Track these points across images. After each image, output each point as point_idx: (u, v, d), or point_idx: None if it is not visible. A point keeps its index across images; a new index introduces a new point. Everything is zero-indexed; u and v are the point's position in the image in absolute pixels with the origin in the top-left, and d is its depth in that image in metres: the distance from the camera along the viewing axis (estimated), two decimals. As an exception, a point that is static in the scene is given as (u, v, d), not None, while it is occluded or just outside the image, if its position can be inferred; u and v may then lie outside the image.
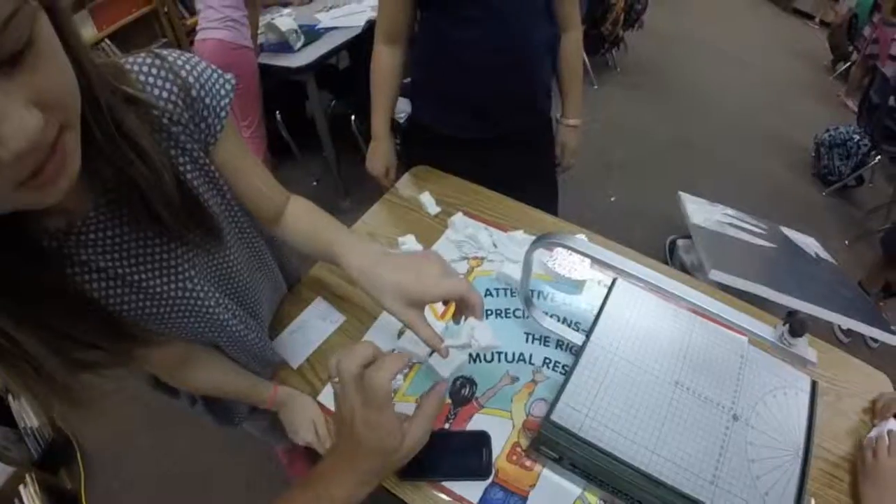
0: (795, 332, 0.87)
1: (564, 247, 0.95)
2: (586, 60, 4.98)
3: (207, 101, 0.83)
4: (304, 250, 1.12)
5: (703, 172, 4.36)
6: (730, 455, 0.99)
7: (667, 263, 3.09)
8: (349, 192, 3.49)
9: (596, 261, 0.94)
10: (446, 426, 1.13)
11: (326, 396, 1.21)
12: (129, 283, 0.79)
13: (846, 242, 3.80)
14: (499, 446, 1.11)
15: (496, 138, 1.77)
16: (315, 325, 1.34)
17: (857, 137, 4.31)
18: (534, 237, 1.09)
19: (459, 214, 1.53)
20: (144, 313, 0.83)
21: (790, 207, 4.20)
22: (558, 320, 1.29)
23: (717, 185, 4.14)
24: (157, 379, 1.13)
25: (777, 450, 1.04)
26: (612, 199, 3.90)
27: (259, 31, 3.18)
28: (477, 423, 1.13)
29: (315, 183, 3.60)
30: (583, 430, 0.97)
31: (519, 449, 1.11)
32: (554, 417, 0.97)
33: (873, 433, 1.32)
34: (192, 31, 3.38)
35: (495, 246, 1.47)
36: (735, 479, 0.97)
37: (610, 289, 1.19)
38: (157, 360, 0.97)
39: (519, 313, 1.32)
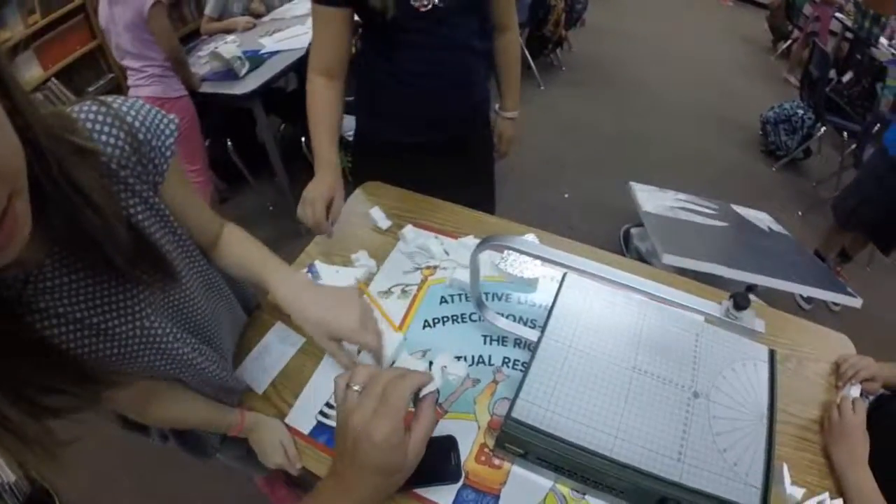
0: (739, 305, 0.89)
1: (506, 248, 0.97)
2: (532, 63, 5.04)
3: (154, 143, 0.85)
4: (236, 276, 1.15)
5: (654, 161, 4.43)
6: (694, 431, 1.01)
7: (623, 253, 3.15)
8: None
9: (538, 258, 0.95)
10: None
11: (293, 418, 1.21)
12: (88, 327, 0.79)
13: (799, 213, 3.88)
14: (466, 448, 1.11)
15: (439, 145, 1.78)
16: (276, 348, 1.34)
17: (801, 112, 4.42)
18: (483, 241, 1.10)
19: (409, 227, 1.54)
20: (106, 355, 0.83)
21: (742, 186, 4.29)
22: (514, 320, 1.31)
23: (668, 172, 4.21)
24: (125, 418, 1.12)
25: (741, 421, 1.06)
26: (566, 195, 3.93)
27: (203, 61, 3.18)
28: (442, 428, 1.13)
29: (271, 208, 3.57)
30: (544, 423, 0.98)
31: (486, 449, 1.12)
32: (515, 414, 0.98)
33: (840, 396, 1.36)
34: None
35: (447, 253, 1.48)
36: (702, 454, 0.99)
37: (560, 284, 1.21)
38: (123, 399, 0.96)
39: (475, 317, 1.33)
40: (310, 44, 1.61)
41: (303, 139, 3.34)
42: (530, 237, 1.51)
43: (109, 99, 0.80)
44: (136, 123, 0.82)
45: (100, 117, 0.77)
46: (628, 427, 1.00)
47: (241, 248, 1.15)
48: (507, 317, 1.29)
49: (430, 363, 1.24)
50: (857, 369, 1.46)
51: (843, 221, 3.29)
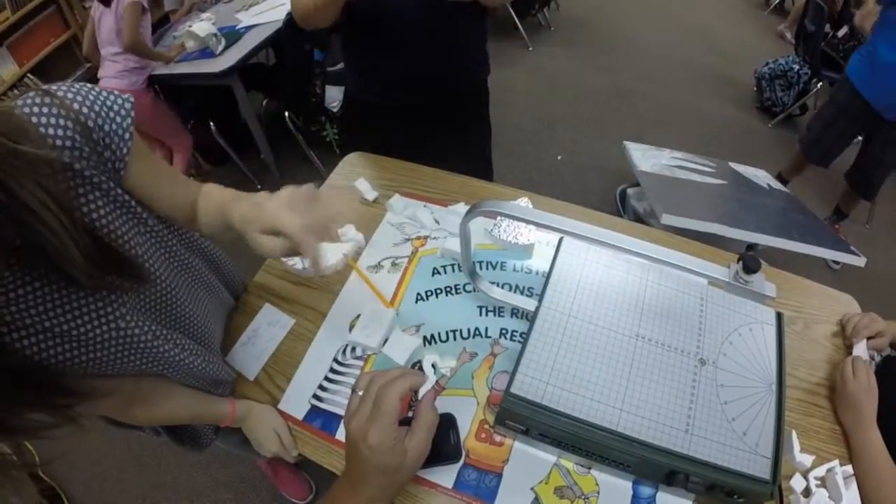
0: (749, 268, 0.84)
1: (497, 213, 0.91)
2: (518, 24, 4.93)
3: (107, 127, 0.78)
4: (220, 236, 1.01)
5: (647, 120, 4.35)
6: (701, 401, 0.97)
7: (620, 214, 3.08)
8: None
9: (532, 223, 0.89)
10: (409, 414, 1.09)
11: (286, 404, 1.18)
12: (58, 335, 0.75)
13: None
14: (466, 426, 1.08)
15: (431, 109, 1.74)
16: (266, 332, 1.30)
17: (796, 67, 4.35)
18: (475, 207, 1.05)
19: (396, 196, 1.49)
20: (81, 361, 0.79)
21: (738, 143, 4.22)
22: (510, 289, 1.26)
23: (663, 130, 4.14)
24: (117, 420, 1.10)
25: (749, 388, 1.02)
26: (559, 157, 3.85)
27: (180, 42, 3.11)
28: (442, 406, 1.07)
29: (259, 186, 3.47)
30: (545, 398, 0.93)
31: (486, 426, 1.08)
32: (514, 390, 0.94)
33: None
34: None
35: (437, 222, 1.43)
36: (710, 424, 0.95)
37: (557, 250, 1.15)
38: (104, 405, 0.94)
39: (469, 287, 1.28)
40: (287, 14, 1.53)
41: (286, 113, 3.27)
42: (524, 201, 1.46)
43: (54, 87, 0.75)
44: (84, 109, 0.76)
45: (45, 109, 0.71)
46: (633, 399, 0.96)
47: (211, 199, 1.00)
48: (502, 286, 1.24)
49: (419, 363, 1.19)
50: (863, 327, 1.44)
51: (809, 152, 3.31)
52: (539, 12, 5.26)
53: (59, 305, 0.75)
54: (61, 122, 0.72)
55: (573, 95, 4.52)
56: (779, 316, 1.15)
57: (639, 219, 2.74)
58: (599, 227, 0.88)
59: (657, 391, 0.97)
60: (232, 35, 3.13)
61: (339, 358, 1.22)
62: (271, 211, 0.84)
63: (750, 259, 0.83)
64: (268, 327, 1.31)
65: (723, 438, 0.94)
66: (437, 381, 1.13)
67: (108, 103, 0.79)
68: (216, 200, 0.98)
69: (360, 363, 1.20)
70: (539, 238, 1.35)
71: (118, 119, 0.80)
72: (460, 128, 1.85)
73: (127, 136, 0.81)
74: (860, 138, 3.09)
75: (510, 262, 1.35)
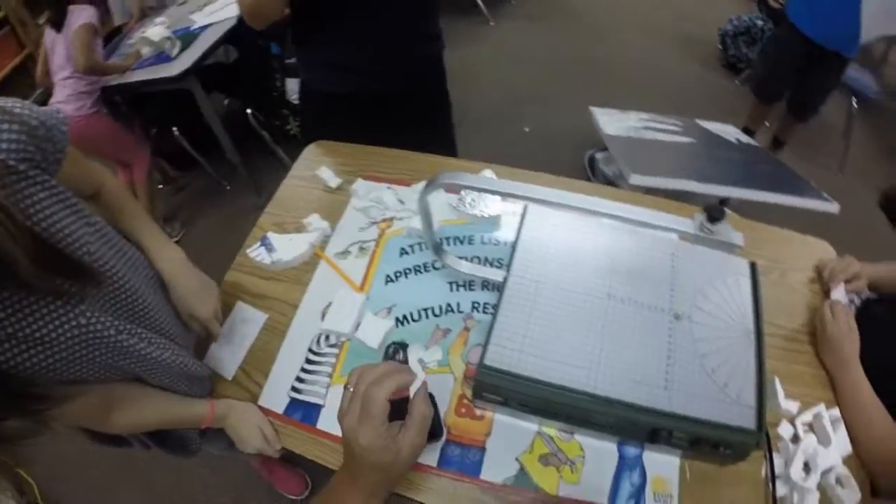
0: (713, 217, 0.83)
1: (454, 185, 0.89)
2: (479, 0, 4.89)
3: (48, 122, 0.86)
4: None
5: (613, 85, 4.35)
6: (678, 356, 0.96)
7: (590, 180, 3.08)
8: (261, 189, 3.38)
9: (491, 191, 0.88)
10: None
11: (266, 399, 1.17)
12: (20, 339, 0.75)
13: (766, 124, 3.83)
14: (445, 403, 1.07)
15: (388, 92, 1.70)
16: (240, 330, 1.28)
17: (759, 23, 4.37)
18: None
19: (360, 180, 1.47)
20: (48, 364, 0.80)
21: (706, 101, 4.24)
22: (481, 262, 1.25)
23: (630, 94, 4.11)
24: (94, 433, 1.11)
25: (727, 339, 1.02)
26: (527, 129, 3.84)
27: (135, 49, 3.05)
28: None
29: (228, 187, 3.46)
30: (520, 367, 0.92)
31: (465, 401, 1.07)
32: (487, 361, 0.92)
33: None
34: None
35: (402, 203, 1.41)
36: (689, 378, 0.94)
37: (522, 218, 1.14)
38: (79, 413, 0.93)
39: (438, 265, 1.27)
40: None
41: (248, 111, 3.24)
42: (487, 173, 1.45)
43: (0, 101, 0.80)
44: (25, 112, 0.82)
45: None
46: (609, 359, 0.95)
47: (120, 212, 1.12)
48: (471, 259, 1.23)
49: (397, 349, 1.17)
50: (839, 271, 1.45)
51: (757, 90, 3.52)
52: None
53: (19, 310, 0.75)
54: (5, 125, 0.76)
55: (538, 67, 4.50)
56: (752, 266, 1.15)
57: (609, 182, 2.73)
58: (563, 191, 0.87)
59: (632, 349, 0.96)
60: (187, 37, 3.07)
61: (314, 347, 1.21)
62: (205, 317, 1.14)
63: (713, 209, 0.82)
64: (241, 325, 1.29)
65: (703, 392, 0.93)
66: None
67: (47, 113, 0.87)
68: (124, 223, 1.11)
69: (336, 350, 1.19)
70: (505, 209, 1.34)
71: (54, 118, 0.87)
72: (419, 107, 1.83)
73: (64, 128, 0.90)
74: None
75: (478, 235, 1.33)
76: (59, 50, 2.78)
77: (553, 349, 0.94)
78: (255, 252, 1.38)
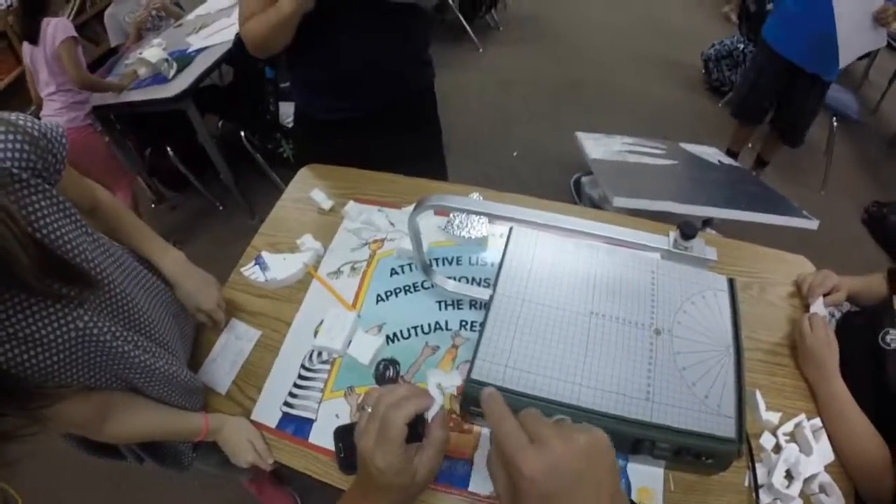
0: (686, 234, 0.87)
1: (442, 207, 0.93)
2: (468, 27, 4.98)
3: (49, 135, 0.89)
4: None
5: (600, 109, 4.41)
6: (659, 369, 1.00)
7: (576, 203, 3.13)
8: (254, 210, 3.42)
9: (477, 213, 0.92)
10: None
11: (259, 413, 1.19)
12: (22, 341, 0.78)
13: (749, 146, 3.90)
14: (433, 418, 1.10)
15: (379, 117, 1.75)
16: (234, 346, 1.31)
17: (741, 46, 4.46)
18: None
19: (351, 203, 1.51)
20: (46, 366, 0.82)
21: (690, 124, 4.32)
22: (468, 281, 1.29)
23: (615, 117, 4.20)
24: (88, 443, 1.13)
25: (707, 353, 1.05)
26: (515, 153, 3.89)
27: (131, 69, 3.10)
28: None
29: (221, 208, 3.50)
30: (506, 380, 0.95)
31: (454, 416, 1.10)
32: (474, 376, 0.95)
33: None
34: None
35: (392, 224, 1.45)
36: (670, 390, 0.98)
37: (507, 239, 1.18)
38: (77, 418, 0.96)
39: (427, 284, 1.30)
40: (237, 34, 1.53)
41: (241, 133, 3.28)
42: (474, 195, 1.49)
43: (4, 114, 0.83)
44: (29, 124, 0.85)
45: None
46: (592, 373, 0.98)
47: (117, 224, 1.19)
48: (459, 279, 1.27)
49: (388, 365, 1.21)
50: (817, 284, 1.48)
51: (737, 112, 3.57)
52: (487, 14, 5.31)
53: (20, 311, 0.77)
54: (10, 136, 0.79)
55: (526, 92, 4.57)
56: (730, 281, 1.19)
57: (594, 205, 2.78)
58: (546, 213, 0.91)
59: (615, 364, 0.99)
60: (183, 59, 3.13)
61: (307, 364, 1.24)
62: (210, 307, 1.26)
63: (686, 226, 0.86)
64: (236, 341, 1.32)
65: (684, 403, 0.96)
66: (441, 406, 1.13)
67: (49, 127, 0.90)
68: (124, 235, 1.18)
69: (328, 367, 1.22)
70: (492, 231, 1.38)
71: (58, 136, 0.91)
72: (411, 133, 1.87)
73: (64, 140, 0.93)
74: None
75: (465, 256, 1.37)
76: (41, 66, 2.81)
77: (538, 364, 0.98)
78: (250, 270, 1.42)
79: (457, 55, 4.90)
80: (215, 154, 3.14)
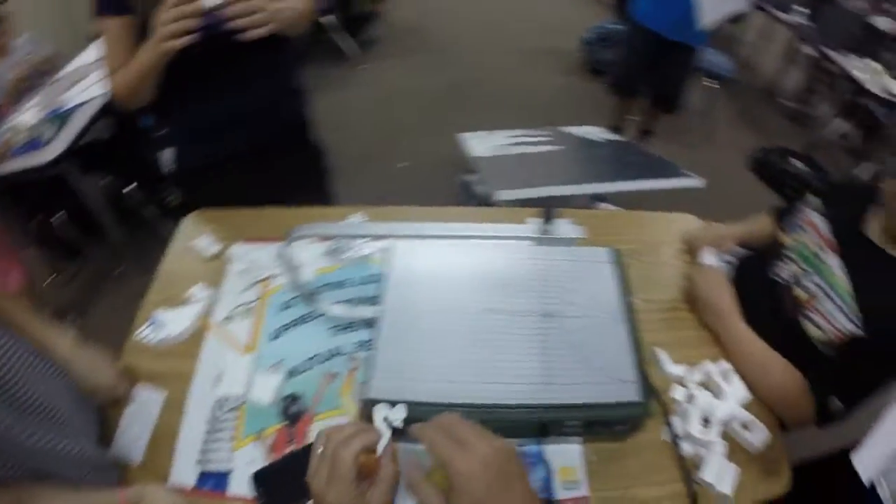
0: (547, 218, 0.89)
1: (310, 236, 0.94)
2: (347, 44, 4.98)
3: None
4: None
5: (486, 108, 4.51)
6: (553, 351, 1.03)
7: (466, 204, 3.15)
8: (150, 267, 3.22)
9: (346, 236, 0.92)
10: (290, 449, 1.10)
11: (176, 477, 1.15)
12: None
13: (634, 118, 4.03)
14: (344, 445, 1.08)
15: (259, 153, 1.74)
16: (142, 413, 1.26)
17: (618, 27, 4.65)
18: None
19: (236, 245, 1.49)
20: None
21: (576, 107, 4.49)
22: (359, 302, 1.29)
23: (503, 113, 4.33)
24: None
25: (597, 325, 1.09)
26: (405, 164, 3.95)
27: (4, 139, 2.92)
28: (315, 431, 1.11)
29: (118, 271, 3.34)
30: (404, 394, 0.95)
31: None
32: (372, 395, 0.96)
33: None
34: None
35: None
36: (567, 370, 1.01)
37: (390, 254, 1.19)
38: None
39: (318, 313, 1.29)
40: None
41: (125, 189, 3.17)
42: (355, 217, 1.49)
43: None
44: None
45: None
46: (489, 369, 1.00)
47: (9, 318, 1.15)
48: (350, 301, 1.27)
49: (291, 401, 1.19)
50: (703, 237, 1.56)
51: (614, 88, 3.78)
52: (367, 28, 5.31)
53: None
54: None
55: (410, 102, 4.60)
56: (614, 252, 1.23)
57: (484, 203, 2.79)
58: (424, 223, 0.92)
59: (510, 355, 1.02)
60: (59, 118, 2.95)
61: (214, 415, 1.21)
62: (108, 387, 1.22)
63: (545, 211, 0.88)
64: (142, 408, 1.27)
65: (583, 378, 0.99)
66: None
67: None
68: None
69: (235, 414, 1.19)
70: (376, 247, 1.38)
71: None
72: (291, 161, 1.86)
73: None
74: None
75: (353, 276, 1.37)
76: None
77: (433, 371, 0.99)
78: (145, 332, 1.37)
79: (338, 74, 4.87)
80: (104, 215, 3.03)
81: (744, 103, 5.05)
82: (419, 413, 0.93)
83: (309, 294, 1.17)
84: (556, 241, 0.93)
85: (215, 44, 1.39)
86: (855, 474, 1.24)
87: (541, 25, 5.75)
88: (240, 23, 1.33)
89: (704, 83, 4.15)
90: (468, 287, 1.12)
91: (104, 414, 1.27)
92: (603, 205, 2.42)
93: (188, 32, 1.29)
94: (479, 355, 1.01)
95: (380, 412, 1.17)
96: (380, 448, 0.81)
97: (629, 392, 0.98)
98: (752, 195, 3.90)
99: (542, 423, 0.97)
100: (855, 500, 1.21)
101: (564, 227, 0.93)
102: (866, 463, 1.14)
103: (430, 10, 6.07)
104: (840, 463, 1.33)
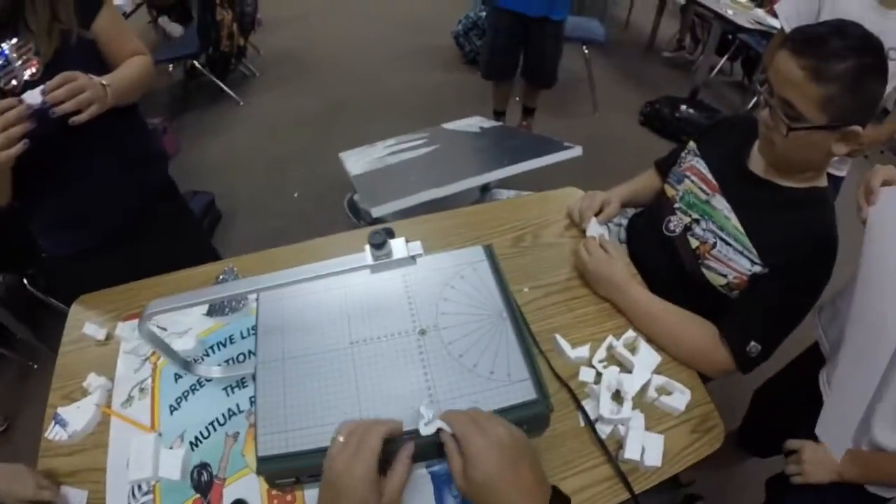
0: (377, 245, 0.88)
1: (158, 313, 0.92)
2: (223, 85, 4.90)
3: None
4: None
5: (369, 119, 4.51)
6: (435, 367, 1.02)
7: (357, 224, 3.16)
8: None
9: (193, 304, 0.92)
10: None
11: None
12: None
13: (516, 99, 4.11)
14: (258, 501, 1.09)
15: (129, 229, 1.73)
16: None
17: (483, 14, 4.74)
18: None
19: (119, 324, 1.46)
20: None
21: (458, 101, 4.56)
22: (246, 357, 1.30)
23: (386, 122, 4.30)
24: None
25: (480, 329, 1.08)
26: (296, 195, 3.91)
27: None
28: (230, 496, 1.10)
29: (35, 366, 3.17)
30: (290, 445, 0.95)
31: (273, 492, 1.09)
32: (261, 454, 0.95)
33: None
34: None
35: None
36: (452, 382, 1.00)
37: (257, 307, 1.18)
38: None
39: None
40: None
41: (24, 280, 3.07)
42: (228, 273, 1.51)
43: None
44: None
45: None
46: (371, 400, 0.99)
47: None
48: (237, 357, 1.28)
49: (200, 470, 1.18)
50: (586, 208, 1.55)
51: (486, 74, 3.81)
52: (239, 65, 5.23)
53: None
54: None
55: (293, 130, 4.57)
56: (486, 248, 1.23)
57: (374, 221, 2.82)
58: (277, 273, 0.92)
59: (391, 380, 1.01)
60: None
61: (132, 502, 1.18)
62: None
63: (372, 236, 0.87)
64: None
65: (472, 388, 0.98)
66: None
67: None
68: None
69: (150, 496, 1.17)
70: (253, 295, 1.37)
71: None
72: (162, 226, 1.85)
73: None
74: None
75: (237, 332, 1.36)
76: None
77: (314, 415, 0.98)
78: (53, 433, 1.34)
79: (218, 116, 4.78)
80: (4, 315, 2.92)
81: (624, 62, 5.19)
82: (311, 461, 0.93)
83: (184, 363, 1.15)
84: (395, 262, 0.92)
85: (54, 133, 1.37)
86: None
87: (410, 27, 5.81)
88: (66, 106, 1.31)
89: (583, 51, 4.25)
90: (333, 322, 1.11)
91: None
92: (499, 191, 2.44)
93: (20, 138, 1.27)
94: (356, 388, 1.00)
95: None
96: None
97: (526, 392, 0.97)
98: (645, 152, 4.00)
99: (439, 442, 0.92)
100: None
101: (400, 247, 0.92)
102: (832, 435, 1.17)
103: (299, 34, 6.04)
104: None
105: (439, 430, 0.86)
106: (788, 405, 1.58)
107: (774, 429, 1.61)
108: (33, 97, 1.27)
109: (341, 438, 0.84)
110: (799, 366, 1.64)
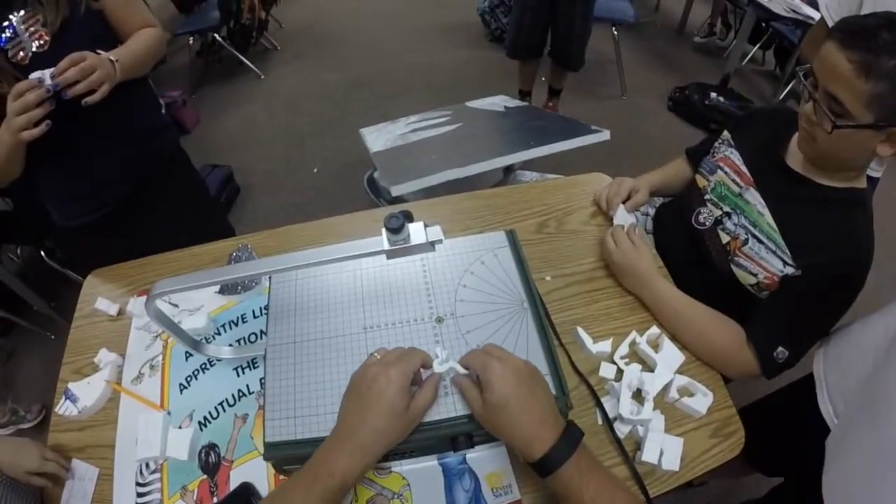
0: (391, 229, 0.83)
1: (165, 293, 0.89)
2: (243, 58, 4.87)
3: None
4: None
5: (392, 96, 4.45)
6: (452, 356, 0.96)
7: (377, 202, 3.09)
8: None
9: (204, 285, 0.89)
10: (214, 501, 1.07)
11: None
12: None
13: (543, 79, 4.03)
14: (264, 487, 1.06)
15: (138, 200, 1.72)
16: (78, 490, 1.21)
17: (510, -9, 4.61)
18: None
19: (131, 300, 1.44)
20: None
21: (482, 79, 4.47)
22: (258, 336, 1.27)
23: (408, 100, 4.27)
24: None
25: (499, 319, 1.04)
26: (315, 170, 3.88)
27: None
28: (237, 478, 1.08)
29: (52, 337, 3.17)
30: (300, 432, 0.92)
31: (280, 477, 1.07)
32: (269, 440, 0.93)
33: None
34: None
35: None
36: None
37: (269, 286, 1.15)
38: None
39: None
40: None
41: (41, 252, 3.09)
42: (243, 251, 1.47)
43: None
44: None
45: None
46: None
47: None
48: (249, 337, 1.25)
49: (208, 450, 1.15)
50: (614, 195, 1.49)
51: (512, 53, 3.70)
52: (260, 38, 5.19)
53: None
54: None
55: (314, 105, 4.51)
56: (509, 234, 1.19)
57: (396, 199, 2.78)
58: (289, 254, 0.88)
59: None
60: None
61: (139, 479, 1.17)
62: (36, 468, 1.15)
63: (389, 220, 0.83)
64: (78, 484, 1.22)
65: None
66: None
67: None
68: None
69: (158, 475, 1.16)
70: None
71: None
72: (173, 199, 1.84)
73: None
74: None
75: (249, 311, 1.34)
76: None
77: (324, 402, 0.95)
78: (63, 407, 1.33)
79: (239, 89, 4.75)
80: (20, 287, 2.94)
81: (654, 45, 5.08)
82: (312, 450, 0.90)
83: (194, 343, 1.13)
84: (414, 248, 0.87)
85: (67, 108, 1.35)
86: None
87: (434, 2, 5.72)
88: (78, 88, 1.30)
89: (612, 32, 4.16)
90: (348, 306, 1.08)
91: (47, 496, 1.23)
92: (523, 173, 2.38)
93: (41, 120, 1.28)
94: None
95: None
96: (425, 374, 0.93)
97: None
98: (673, 138, 3.92)
99: (453, 436, 0.92)
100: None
101: (418, 231, 0.87)
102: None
103: (321, 8, 5.97)
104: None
105: (453, 374, 0.92)
106: (788, 426, 1.51)
107: (779, 448, 1.53)
108: (45, 78, 1.27)
109: (377, 355, 0.90)
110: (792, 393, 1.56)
